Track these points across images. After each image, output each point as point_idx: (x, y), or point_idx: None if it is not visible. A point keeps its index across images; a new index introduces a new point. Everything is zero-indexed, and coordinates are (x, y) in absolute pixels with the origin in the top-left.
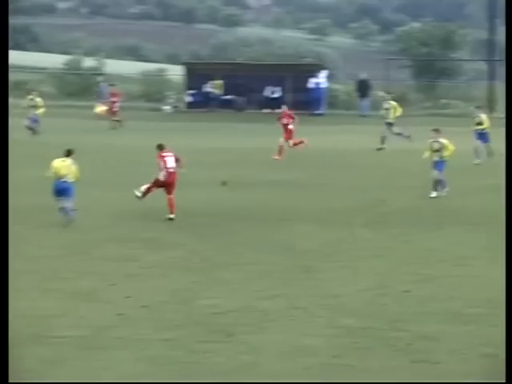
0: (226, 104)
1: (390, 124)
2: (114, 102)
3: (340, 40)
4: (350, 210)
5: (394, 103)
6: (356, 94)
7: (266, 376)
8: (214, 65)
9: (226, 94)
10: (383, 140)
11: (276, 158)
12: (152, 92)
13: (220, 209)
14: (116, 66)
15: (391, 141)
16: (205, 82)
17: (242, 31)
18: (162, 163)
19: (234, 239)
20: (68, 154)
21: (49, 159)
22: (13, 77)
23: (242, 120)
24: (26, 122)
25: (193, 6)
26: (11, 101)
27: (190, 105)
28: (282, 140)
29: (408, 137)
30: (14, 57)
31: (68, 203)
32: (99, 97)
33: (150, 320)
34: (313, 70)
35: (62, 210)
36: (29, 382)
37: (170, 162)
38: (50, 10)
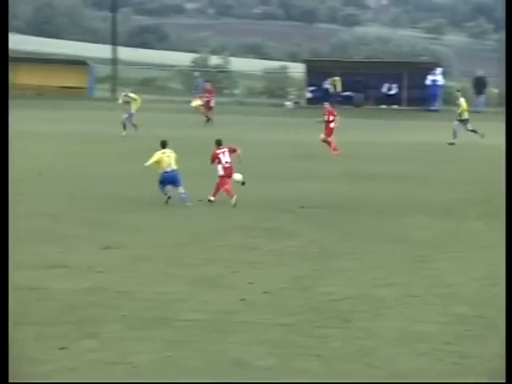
0: (345, 100)
1: (463, 121)
2: (209, 98)
3: (455, 38)
4: (463, 203)
5: (461, 100)
6: (472, 91)
7: (383, 360)
8: (334, 62)
9: (344, 91)
10: (454, 134)
11: (334, 153)
12: (274, 88)
13: (339, 200)
14: (240, 64)
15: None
16: (324, 79)
17: (361, 30)
18: (217, 160)
19: (352, 229)
20: (163, 145)
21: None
22: (142, 74)
23: (360, 115)
24: (122, 118)
25: (314, 6)
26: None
27: (310, 101)
28: (322, 136)
29: (481, 134)
30: (143, 54)
31: (181, 189)
32: (196, 91)
33: (270, 305)
34: (428, 68)
35: (180, 195)
36: (29, 382)
37: (225, 157)
38: (178, 10)
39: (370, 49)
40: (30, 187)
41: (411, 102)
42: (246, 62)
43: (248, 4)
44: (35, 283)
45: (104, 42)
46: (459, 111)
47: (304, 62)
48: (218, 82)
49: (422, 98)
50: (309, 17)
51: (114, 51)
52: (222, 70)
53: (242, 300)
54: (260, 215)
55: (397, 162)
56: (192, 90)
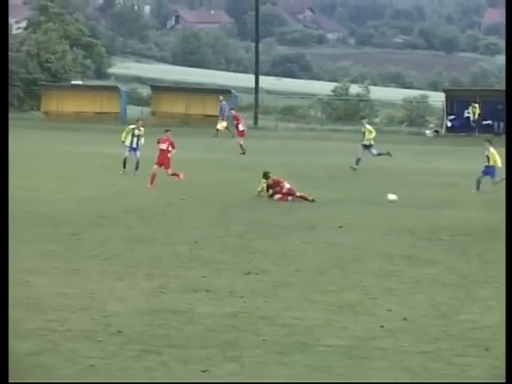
0: (485, 129)
1: (368, 146)
2: (238, 124)
3: None
4: None
5: (368, 127)
6: None
7: None
8: (474, 91)
9: (485, 119)
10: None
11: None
12: (414, 117)
13: (479, 228)
14: (380, 93)
15: None
16: (464, 108)
17: (502, 59)
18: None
19: (492, 258)
20: (265, 176)
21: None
22: (283, 102)
23: (501, 144)
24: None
25: (454, 35)
26: (280, 124)
27: (450, 129)
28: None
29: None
30: (285, 83)
31: None
32: (221, 114)
33: (409, 332)
34: None
35: None
36: (29, 382)
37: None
38: (320, 40)
39: None
40: (174, 213)
41: None
42: (387, 91)
43: (388, 34)
44: (179, 307)
45: (247, 72)
46: (367, 137)
47: (444, 90)
48: (358, 110)
49: None
50: (449, 46)
51: (257, 80)
52: (362, 99)
53: (381, 327)
54: (400, 242)
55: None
56: (219, 113)
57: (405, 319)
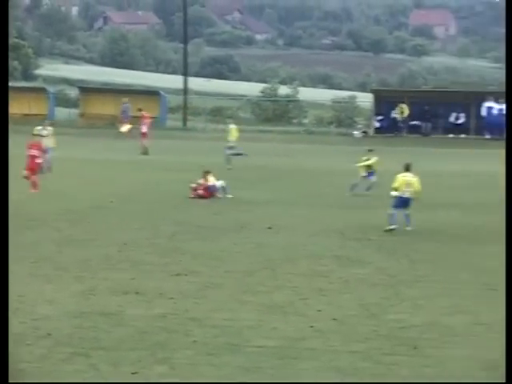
0: (413, 129)
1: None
2: (143, 126)
3: None
4: None
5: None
6: None
7: None
8: (402, 92)
9: (412, 120)
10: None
11: None
12: (342, 118)
13: (404, 228)
14: (309, 94)
15: None
16: (392, 109)
17: (429, 60)
18: None
19: (421, 257)
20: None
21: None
22: (212, 103)
23: (428, 144)
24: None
25: (382, 36)
26: (209, 125)
27: (378, 130)
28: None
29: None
30: (214, 84)
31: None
32: (123, 116)
33: (339, 332)
34: (497, 97)
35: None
36: (29, 382)
37: None
38: (248, 41)
39: (438, 79)
40: (103, 215)
41: (479, 131)
42: (315, 92)
43: (317, 35)
44: (109, 309)
45: (176, 73)
46: (230, 138)
47: (372, 91)
48: (287, 111)
49: (490, 128)
50: (377, 47)
51: (185, 81)
52: (291, 100)
53: (311, 327)
54: (330, 243)
55: (468, 190)
56: (121, 115)
57: (334, 319)
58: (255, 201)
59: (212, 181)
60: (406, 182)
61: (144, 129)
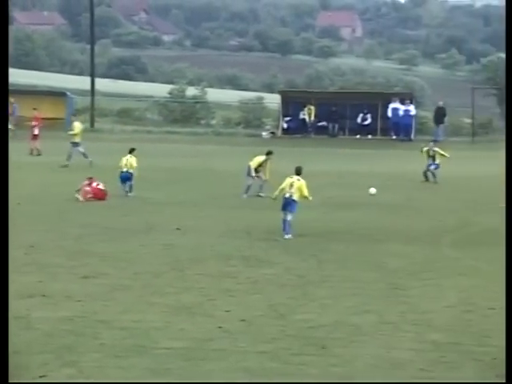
0: (320, 130)
1: (75, 143)
2: (34, 127)
3: (428, 70)
4: (438, 230)
5: (76, 124)
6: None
7: None
8: (309, 93)
9: (319, 121)
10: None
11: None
12: (250, 119)
13: (315, 228)
14: (217, 95)
15: (475, 166)
16: (300, 110)
17: (336, 62)
18: None
19: (328, 257)
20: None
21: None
22: (119, 104)
23: (335, 145)
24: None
25: (289, 37)
26: (116, 127)
27: (286, 131)
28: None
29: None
30: (121, 86)
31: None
32: (12, 117)
33: (247, 333)
34: (402, 98)
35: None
36: (29, 382)
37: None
38: (156, 42)
39: (345, 80)
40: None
41: (385, 131)
42: (223, 93)
43: (224, 36)
44: (16, 312)
45: (83, 74)
46: (73, 134)
47: (279, 92)
48: (195, 112)
49: (396, 128)
50: (284, 48)
51: (93, 82)
52: (198, 101)
53: (219, 328)
54: (238, 244)
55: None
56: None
57: (243, 320)
58: (163, 202)
59: (97, 184)
60: (290, 183)
61: (35, 130)
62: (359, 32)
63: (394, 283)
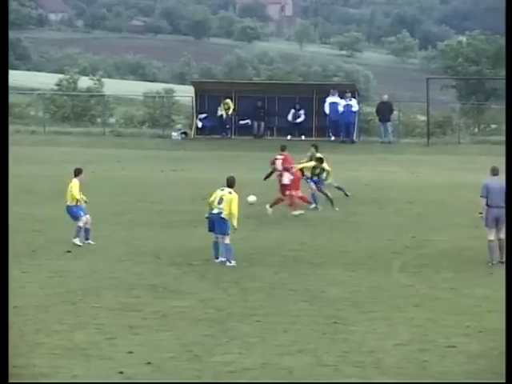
0: (243, 130)
1: None
2: None
3: (374, 56)
4: (386, 252)
5: None
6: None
7: None
8: (229, 85)
9: (242, 119)
10: None
11: None
12: (158, 116)
13: (238, 250)
14: (116, 86)
15: (430, 173)
16: (218, 105)
17: (261, 46)
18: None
19: (253, 285)
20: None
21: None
22: None
23: (262, 148)
24: None
25: (205, 17)
26: None
27: (201, 130)
28: None
29: None
30: None
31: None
32: None
33: (155, 379)
34: (342, 91)
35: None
36: (29, 382)
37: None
38: (41, 22)
39: (273, 68)
40: None
41: (322, 131)
42: (124, 85)
43: (125, 15)
44: None
45: None
46: None
47: (193, 84)
48: (89, 108)
49: (335, 128)
50: (198, 30)
51: None
52: (93, 94)
53: (119, 373)
54: (143, 269)
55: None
56: None
57: (149, 363)
58: (50, 218)
59: None
60: (220, 197)
61: None
62: (289, 10)
63: (333, 316)
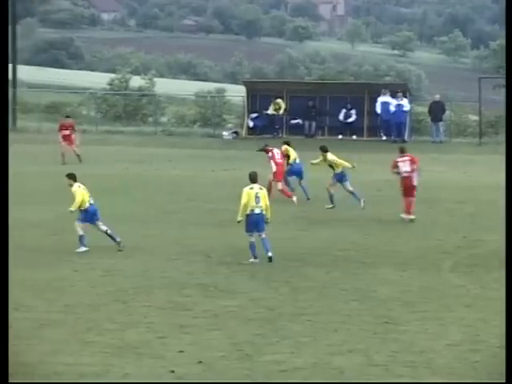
0: (294, 129)
1: None
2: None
3: (426, 56)
4: (437, 252)
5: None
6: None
7: None
8: (280, 84)
9: (293, 118)
10: None
11: None
12: (209, 115)
13: (289, 249)
14: (168, 86)
15: (481, 173)
16: (269, 104)
17: (313, 46)
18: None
19: (304, 285)
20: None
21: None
22: (48, 98)
23: (313, 148)
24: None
25: (256, 16)
26: (44, 125)
27: (252, 130)
28: None
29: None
30: (53, 75)
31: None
32: None
33: (206, 379)
34: (394, 91)
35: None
36: (29, 382)
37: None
38: (93, 22)
39: (324, 67)
40: None
41: (373, 131)
42: (175, 84)
43: (177, 14)
44: None
45: None
46: None
47: (245, 83)
48: (141, 107)
49: (386, 127)
50: (250, 30)
51: (14, 71)
52: (145, 94)
53: (171, 372)
54: (194, 269)
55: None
56: None
57: (200, 362)
58: (102, 217)
59: None
60: (255, 195)
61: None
62: (341, 9)
63: (383, 316)
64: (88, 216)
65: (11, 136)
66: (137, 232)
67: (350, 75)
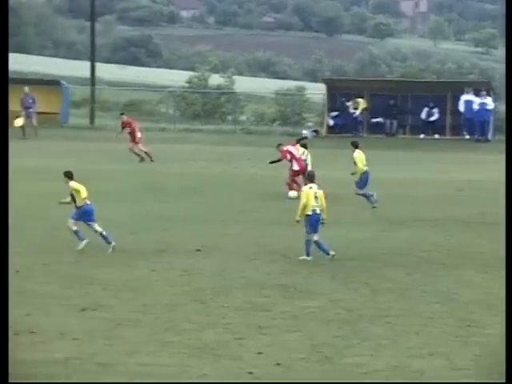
0: (375, 128)
1: None
2: (132, 130)
3: None
4: None
5: None
6: None
7: None
8: (361, 82)
9: (374, 117)
10: None
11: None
12: (288, 114)
13: (370, 250)
14: (247, 84)
15: None
16: (349, 103)
17: (394, 43)
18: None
19: (384, 286)
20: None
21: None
22: (127, 96)
23: (394, 147)
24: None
25: (337, 13)
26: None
27: (332, 129)
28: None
29: None
30: (131, 73)
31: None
32: (23, 109)
33: (284, 380)
34: (477, 89)
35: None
36: (29, 382)
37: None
38: (171, 19)
39: (406, 65)
40: None
41: (456, 130)
42: (255, 82)
43: (256, 11)
44: None
45: (81, 58)
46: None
47: (325, 81)
48: (219, 106)
49: (470, 126)
50: (331, 27)
51: (93, 69)
52: (224, 92)
53: (249, 374)
54: (272, 269)
55: (441, 203)
56: (21, 107)
57: (278, 364)
58: (179, 217)
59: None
60: (314, 195)
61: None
62: (424, 6)
63: (465, 319)
64: (84, 214)
65: (89, 134)
66: (214, 231)
67: (432, 73)
